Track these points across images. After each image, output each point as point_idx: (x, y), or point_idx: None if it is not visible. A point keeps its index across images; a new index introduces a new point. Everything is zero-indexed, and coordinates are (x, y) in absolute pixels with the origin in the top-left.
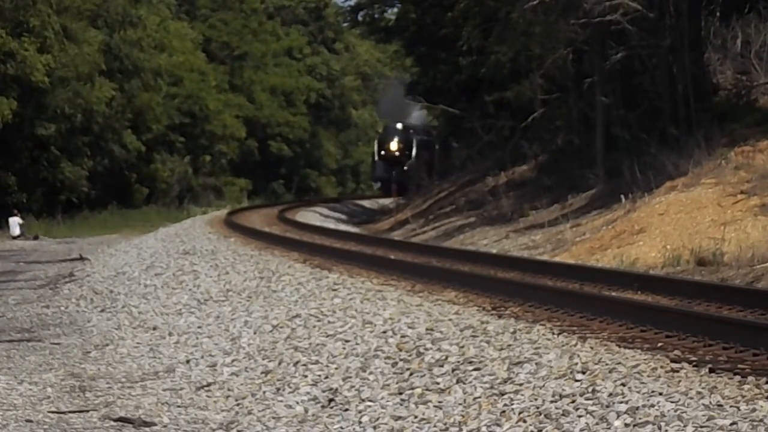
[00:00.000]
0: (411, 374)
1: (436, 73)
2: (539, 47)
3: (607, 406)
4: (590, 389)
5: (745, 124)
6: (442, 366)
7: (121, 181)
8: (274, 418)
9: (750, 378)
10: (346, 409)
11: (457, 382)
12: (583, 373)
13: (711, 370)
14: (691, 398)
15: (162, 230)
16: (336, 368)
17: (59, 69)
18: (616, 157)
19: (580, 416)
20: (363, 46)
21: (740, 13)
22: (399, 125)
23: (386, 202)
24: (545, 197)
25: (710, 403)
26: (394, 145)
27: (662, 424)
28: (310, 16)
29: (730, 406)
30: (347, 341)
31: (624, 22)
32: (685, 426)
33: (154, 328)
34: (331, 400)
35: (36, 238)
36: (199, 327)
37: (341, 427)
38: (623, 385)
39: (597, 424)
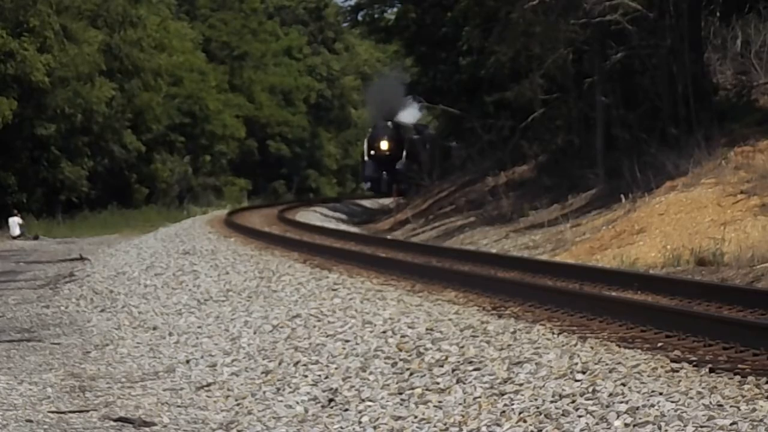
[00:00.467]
0: (411, 374)
1: (436, 73)
2: (539, 47)
3: (607, 406)
4: (590, 389)
5: (745, 124)
6: (442, 366)
7: (121, 181)
8: (274, 418)
9: (750, 378)
10: (346, 409)
11: (457, 382)
12: (583, 373)
13: (711, 370)
14: (691, 398)
15: (162, 230)
16: (336, 368)
17: (59, 69)
18: (616, 157)
19: (580, 416)
20: (363, 46)
21: (740, 13)
22: (389, 123)
23: (386, 202)
24: (545, 197)
25: (710, 403)
26: (384, 144)
27: (662, 424)
28: (310, 16)
29: (730, 406)
30: (347, 341)
31: (624, 22)
32: (685, 426)
33: (154, 328)
34: (331, 400)
35: (36, 238)
36: (199, 327)
37: (341, 427)
38: (623, 385)
39: (597, 424)
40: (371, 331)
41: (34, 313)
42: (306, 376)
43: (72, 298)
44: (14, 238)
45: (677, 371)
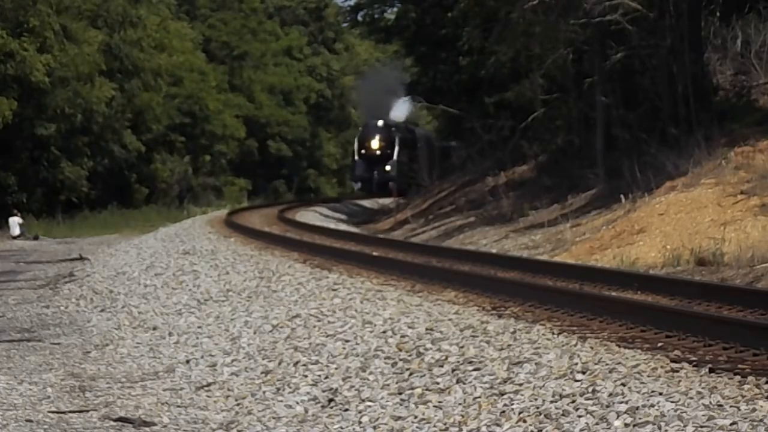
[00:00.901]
0: (411, 374)
1: (436, 73)
2: (539, 47)
3: (607, 406)
4: (590, 389)
5: (745, 124)
6: (442, 366)
7: (121, 181)
8: (274, 418)
9: (750, 378)
10: (346, 409)
11: (457, 382)
12: (583, 373)
13: (711, 370)
14: (691, 398)
15: (162, 230)
16: (336, 368)
17: (59, 69)
18: (616, 157)
19: (580, 416)
20: (363, 46)
21: (740, 13)
22: (380, 122)
23: (386, 202)
24: (545, 197)
25: (710, 403)
26: (374, 144)
27: (662, 424)
28: (310, 16)
29: (730, 406)
30: (347, 341)
31: (624, 22)
32: (685, 426)
33: (154, 328)
34: (331, 400)
35: (36, 238)
36: (199, 327)
37: (341, 427)
38: (623, 385)
39: (597, 424)
40: (371, 331)
41: (34, 313)
42: (306, 376)
43: (72, 298)
44: (14, 238)
45: (677, 371)
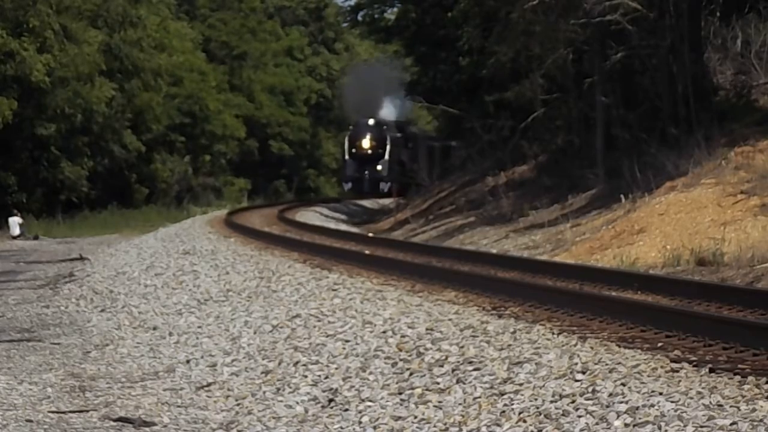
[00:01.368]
0: (411, 374)
1: (436, 73)
2: (539, 47)
3: (607, 406)
4: (590, 389)
5: (745, 124)
6: (442, 366)
7: (121, 181)
8: (274, 418)
9: (750, 378)
10: (346, 409)
11: (457, 382)
12: (583, 373)
13: (711, 370)
14: (691, 398)
15: (162, 230)
16: (336, 368)
17: (59, 69)
18: (616, 157)
19: (580, 416)
20: (363, 46)
21: (740, 13)
22: (371, 121)
23: (386, 202)
24: (545, 197)
25: (710, 403)
26: (365, 143)
27: (662, 424)
28: (310, 16)
29: (730, 406)
30: (347, 341)
31: (624, 22)
32: (685, 426)
33: (154, 328)
34: (331, 400)
35: (36, 238)
36: (199, 327)
37: (341, 427)
38: (623, 385)
39: (597, 424)
40: (371, 331)
41: (34, 313)
42: (306, 376)
43: (72, 298)
44: (14, 238)
45: (677, 371)
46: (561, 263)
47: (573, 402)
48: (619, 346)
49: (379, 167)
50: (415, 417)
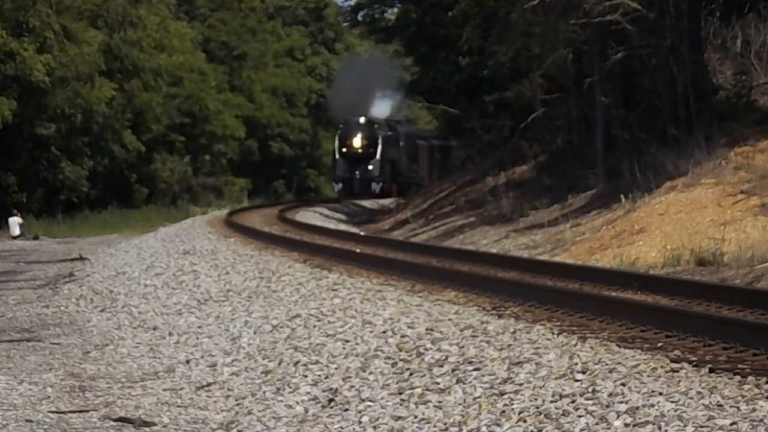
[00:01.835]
0: (411, 374)
1: (436, 73)
2: (539, 47)
3: (607, 406)
4: (590, 389)
5: (745, 124)
6: (442, 366)
7: (121, 181)
8: (274, 418)
9: (750, 378)
10: (346, 409)
11: (457, 382)
12: (583, 373)
13: (711, 370)
14: (691, 398)
15: (162, 230)
16: (336, 368)
17: (59, 69)
18: (616, 157)
19: (580, 416)
20: (363, 46)
21: (740, 13)
22: (362, 119)
23: (386, 202)
24: (545, 197)
25: (710, 403)
26: (356, 142)
27: (662, 424)
28: (310, 16)
29: (730, 406)
30: (347, 341)
31: (624, 22)
32: (685, 426)
33: (154, 328)
34: (331, 400)
35: (36, 238)
36: (199, 327)
37: (341, 427)
38: (623, 385)
39: (597, 424)
40: (371, 331)
41: (34, 313)
42: (306, 376)
43: (72, 298)
44: (14, 238)
45: (677, 371)
46: (561, 263)
47: (573, 402)
48: (619, 346)
49: (370, 167)
50: (415, 417)
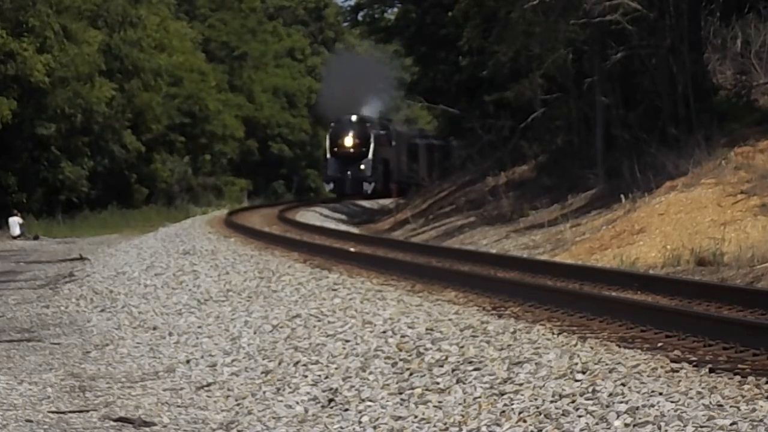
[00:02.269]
0: (411, 374)
1: (436, 73)
2: (539, 47)
3: (607, 406)
4: (590, 389)
5: (745, 124)
6: (442, 366)
7: (121, 181)
8: (274, 418)
9: (750, 378)
10: (346, 409)
11: (457, 382)
12: (583, 373)
13: (711, 370)
14: (691, 398)
15: (162, 230)
16: (336, 368)
17: (59, 69)
18: (616, 157)
19: (580, 416)
20: (363, 46)
21: (740, 13)
22: (353, 117)
23: (386, 202)
24: (545, 197)
25: (710, 403)
26: (348, 141)
27: (662, 424)
28: (311, 16)
29: (730, 406)
30: (347, 341)
31: (624, 22)
32: (685, 426)
33: (154, 328)
34: (331, 400)
35: (36, 238)
36: (199, 327)
37: (341, 427)
38: (623, 385)
39: (597, 424)
40: (371, 331)
41: (34, 313)
42: (306, 376)
43: (72, 298)
44: (14, 238)
45: (677, 371)
46: (561, 263)
47: (573, 402)
48: (619, 346)
49: (362, 167)
50: (415, 417)
